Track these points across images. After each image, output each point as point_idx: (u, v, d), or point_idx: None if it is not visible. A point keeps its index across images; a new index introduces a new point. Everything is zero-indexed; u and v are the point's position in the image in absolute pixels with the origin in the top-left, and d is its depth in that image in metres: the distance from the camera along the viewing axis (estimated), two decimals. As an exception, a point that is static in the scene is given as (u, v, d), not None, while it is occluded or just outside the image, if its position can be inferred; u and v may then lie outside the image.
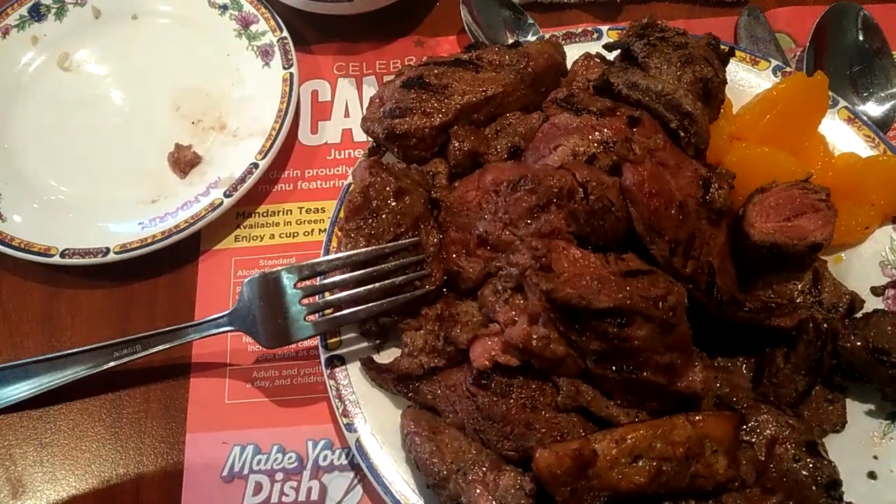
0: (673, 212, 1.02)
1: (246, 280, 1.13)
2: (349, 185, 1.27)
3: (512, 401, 1.00)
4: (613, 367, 0.96)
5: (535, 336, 0.96)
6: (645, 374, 0.96)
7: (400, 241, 1.11)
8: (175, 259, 1.35)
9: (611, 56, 1.30)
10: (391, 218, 1.11)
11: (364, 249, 1.10)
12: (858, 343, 1.05)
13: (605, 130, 1.09)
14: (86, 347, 1.18)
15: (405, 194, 1.12)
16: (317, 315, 1.13)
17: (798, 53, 1.51)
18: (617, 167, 1.05)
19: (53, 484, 1.19)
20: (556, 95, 1.19)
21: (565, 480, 0.90)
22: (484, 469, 0.98)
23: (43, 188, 1.40)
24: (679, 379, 0.98)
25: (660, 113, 1.12)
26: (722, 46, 1.24)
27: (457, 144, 1.18)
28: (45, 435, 1.22)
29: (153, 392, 1.25)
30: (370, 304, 1.10)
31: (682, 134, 1.11)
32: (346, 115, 1.52)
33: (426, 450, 1.01)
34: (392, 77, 1.26)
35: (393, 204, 1.11)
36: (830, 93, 1.27)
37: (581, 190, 1.03)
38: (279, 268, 1.13)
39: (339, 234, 1.17)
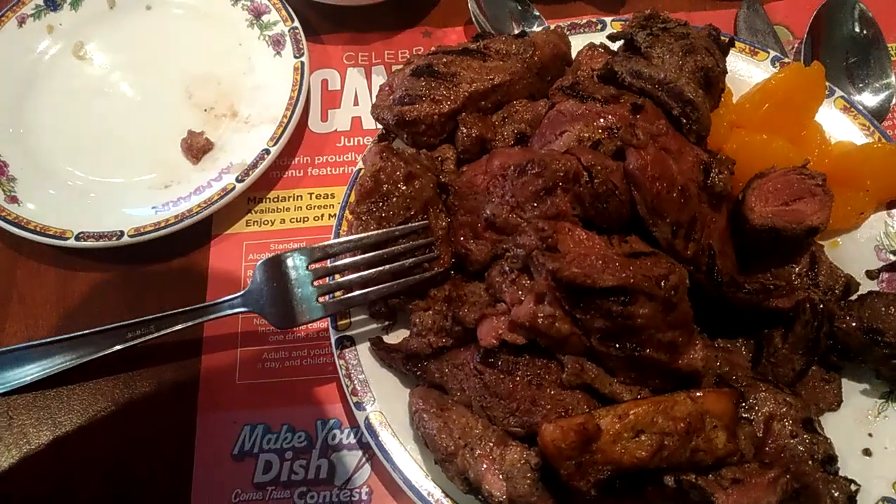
0: (675, 195, 1.04)
1: (259, 262, 1.16)
2: (359, 170, 1.30)
3: (518, 378, 1.02)
4: (617, 345, 0.98)
5: (540, 315, 0.98)
6: (647, 351, 0.98)
7: (409, 224, 1.13)
8: (187, 243, 1.38)
9: (614, 46, 1.32)
10: (401, 201, 1.13)
11: (374, 232, 1.12)
12: (854, 324, 1.07)
13: (610, 117, 1.12)
14: (100, 328, 1.20)
15: (415, 178, 1.15)
16: (327, 296, 1.15)
17: (796, 45, 1.54)
18: (621, 152, 1.07)
19: (67, 462, 1.21)
20: (562, 83, 1.21)
21: (570, 454, 0.91)
22: (491, 444, 1.00)
23: (58, 173, 1.43)
24: (680, 357, 1.00)
25: (662, 100, 1.15)
26: (722, 37, 1.27)
27: (465, 131, 1.21)
28: (59, 414, 1.24)
29: (165, 373, 1.27)
30: (380, 286, 1.12)
31: (684, 121, 1.14)
32: (356, 103, 1.54)
33: (434, 426, 1.04)
34: (400, 66, 1.29)
35: (403, 188, 1.14)
36: (827, 83, 1.29)
37: (586, 174, 1.05)
38: (292, 250, 1.15)
39: (350, 217, 1.19)
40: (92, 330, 1.20)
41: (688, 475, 0.95)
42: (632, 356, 0.99)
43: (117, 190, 1.41)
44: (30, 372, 1.23)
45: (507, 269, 1.06)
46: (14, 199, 1.36)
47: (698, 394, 0.97)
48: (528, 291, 1.02)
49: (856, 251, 1.21)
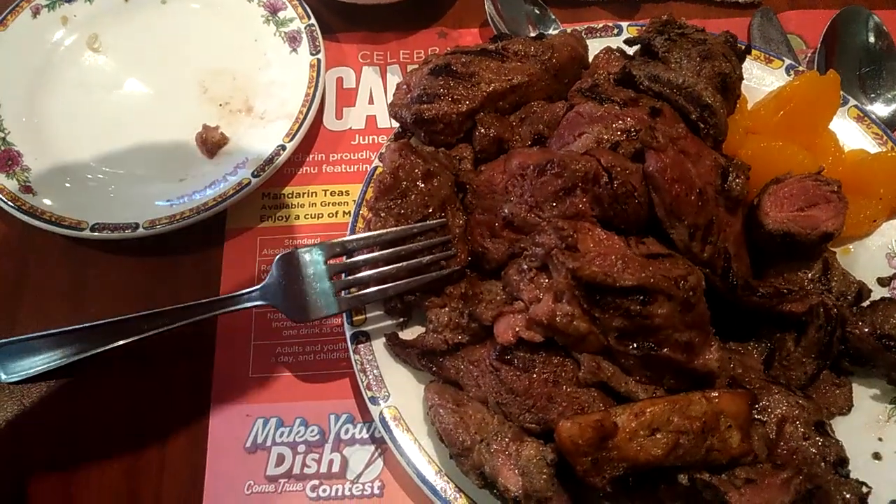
0: (693, 198, 1.06)
1: (277, 256, 1.15)
2: (375, 167, 1.30)
3: (534, 375, 1.03)
4: (634, 344, 0.99)
5: (559, 313, 0.99)
6: (664, 350, 0.99)
7: (427, 222, 1.14)
8: (202, 236, 1.38)
9: (630, 51, 1.33)
10: (419, 199, 1.14)
11: (393, 229, 1.13)
12: (866, 329, 1.08)
13: (628, 119, 1.13)
14: (114, 318, 1.18)
15: (433, 177, 1.15)
16: (344, 292, 1.15)
17: (808, 55, 1.56)
18: (639, 154, 1.09)
19: (80, 452, 1.21)
20: (581, 86, 1.22)
21: (586, 451, 0.92)
22: (507, 440, 1.00)
23: (73, 164, 1.42)
24: (696, 357, 1.01)
25: (680, 105, 1.16)
26: (739, 44, 1.28)
27: (483, 130, 1.22)
28: (73, 404, 1.24)
29: (179, 365, 1.27)
30: (397, 283, 1.13)
31: (702, 125, 1.15)
32: (371, 102, 1.55)
33: (450, 421, 1.04)
34: (416, 66, 1.29)
35: (421, 185, 1.14)
36: (841, 92, 1.31)
37: (606, 175, 1.06)
38: (311, 245, 1.15)
39: (368, 213, 1.19)
40: (106, 320, 1.19)
41: (702, 474, 0.96)
42: (648, 355, 1.00)
43: (132, 182, 1.40)
44: (43, 361, 1.21)
45: (524, 267, 1.07)
46: (29, 189, 1.36)
47: (714, 394, 0.97)
48: (547, 290, 1.02)
49: (868, 258, 1.22)
